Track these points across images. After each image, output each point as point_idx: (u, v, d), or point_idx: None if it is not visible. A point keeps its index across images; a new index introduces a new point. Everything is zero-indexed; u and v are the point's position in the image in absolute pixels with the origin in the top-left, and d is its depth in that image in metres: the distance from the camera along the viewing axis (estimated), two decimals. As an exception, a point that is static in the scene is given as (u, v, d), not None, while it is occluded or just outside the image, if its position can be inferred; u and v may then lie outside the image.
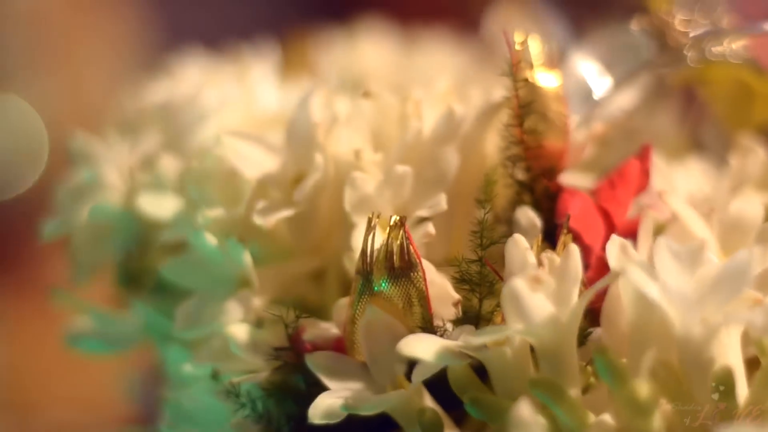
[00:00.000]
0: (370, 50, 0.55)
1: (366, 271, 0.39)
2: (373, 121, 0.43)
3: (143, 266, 0.45)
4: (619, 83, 0.45)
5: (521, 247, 0.39)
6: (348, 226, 0.41)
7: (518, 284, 0.37)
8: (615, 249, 0.39)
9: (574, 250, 0.38)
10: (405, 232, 0.39)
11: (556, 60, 0.44)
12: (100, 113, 1.48)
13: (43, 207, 1.34)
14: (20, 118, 1.41)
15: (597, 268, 0.40)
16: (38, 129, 1.38)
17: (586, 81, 0.46)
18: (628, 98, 0.46)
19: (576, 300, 0.37)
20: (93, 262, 0.46)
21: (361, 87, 0.51)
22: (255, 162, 0.42)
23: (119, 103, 0.50)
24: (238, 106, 0.46)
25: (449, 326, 0.40)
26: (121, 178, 0.45)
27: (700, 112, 0.50)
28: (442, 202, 0.41)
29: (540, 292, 0.37)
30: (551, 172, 0.43)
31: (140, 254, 0.45)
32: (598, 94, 0.45)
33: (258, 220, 0.41)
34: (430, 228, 0.41)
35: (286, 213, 0.41)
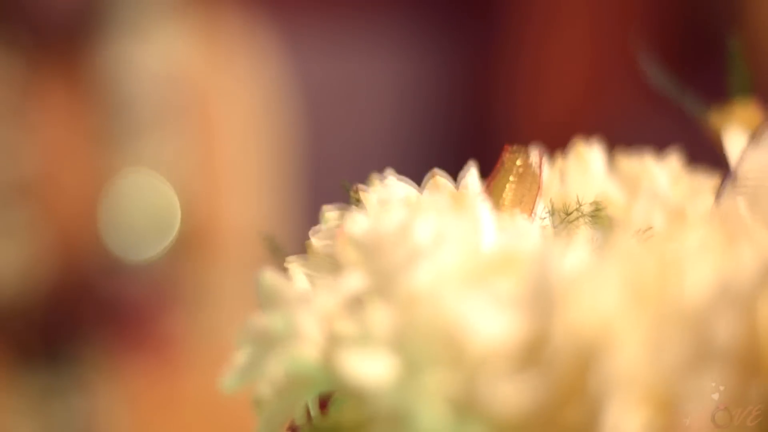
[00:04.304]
0: (597, 174, 0.50)
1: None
2: (626, 276, 0.38)
3: (341, 433, 0.40)
4: None
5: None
6: (595, 408, 0.36)
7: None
8: None
9: None
10: (670, 419, 0.34)
11: None
12: (232, 181, 1.50)
13: (170, 273, 1.37)
14: (151, 190, 1.44)
15: None
16: (170, 198, 1.42)
17: None
18: None
19: None
20: (280, 423, 0.41)
21: (600, 221, 0.46)
22: (483, 319, 0.37)
23: (312, 234, 0.46)
24: (457, 244, 0.41)
25: None
26: (319, 326, 0.40)
27: None
28: (715, 382, 0.35)
29: None
30: None
31: (338, 420, 0.40)
32: None
33: (493, 394, 0.36)
34: (703, 414, 0.35)
35: (529, 390, 0.36)
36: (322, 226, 0.47)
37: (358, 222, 0.44)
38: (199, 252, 1.51)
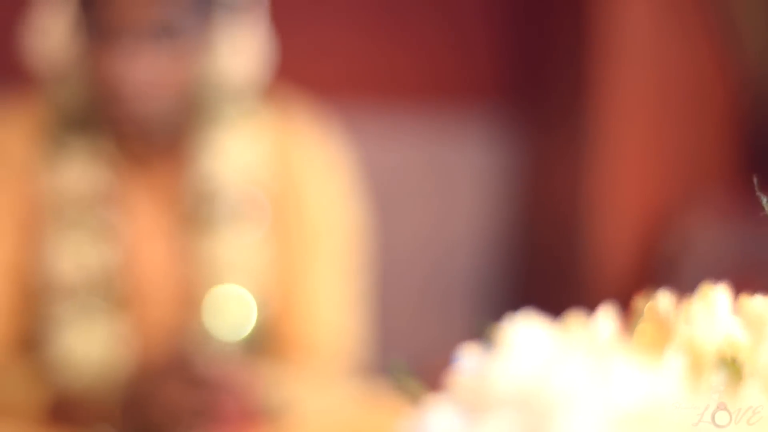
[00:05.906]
0: (723, 316, 0.51)
1: None
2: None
3: None
4: None
5: None
6: None
7: None
8: None
9: None
10: None
11: None
12: (309, 277, 1.54)
13: (249, 372, 1.42)
14: (231, 287, 1.50)
15: None
16: (247, 298, 1.48)
17: None
18: None
19: None
20: None
21: (728, 365, 0.48)
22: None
23: (453, 375, 0.48)
24: (601, 395, 0.43)
25: None
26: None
27: None
28: None
29: None
30: None
31: None
32: None
33: None
34: None
35: None
36: (464, 364, 0.49)
37: (501, 366, 0.46)
38: (277, 351, 1.54)
